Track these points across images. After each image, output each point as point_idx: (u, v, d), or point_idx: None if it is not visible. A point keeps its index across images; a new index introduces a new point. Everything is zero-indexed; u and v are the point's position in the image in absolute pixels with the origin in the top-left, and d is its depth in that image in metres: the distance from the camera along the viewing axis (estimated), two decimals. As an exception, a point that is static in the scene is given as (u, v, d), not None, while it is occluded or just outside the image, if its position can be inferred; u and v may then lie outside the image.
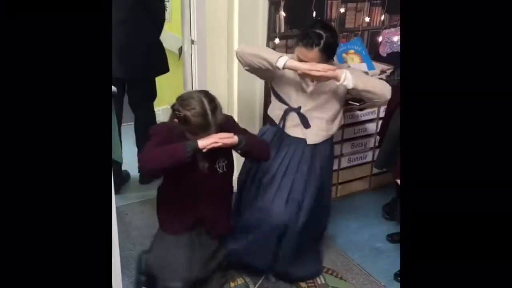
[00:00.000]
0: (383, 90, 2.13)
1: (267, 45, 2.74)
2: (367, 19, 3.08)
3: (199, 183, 2.00)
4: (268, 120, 2.42)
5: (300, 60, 2.07)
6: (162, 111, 4.38)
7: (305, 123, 2.24)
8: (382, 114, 3.06)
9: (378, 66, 3.03)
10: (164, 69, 3.12)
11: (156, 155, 1.84)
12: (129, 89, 3.02)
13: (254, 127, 3.08)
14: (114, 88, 2.08)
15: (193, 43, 2.84)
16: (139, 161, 1.91)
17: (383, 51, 3.19)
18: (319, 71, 2.01)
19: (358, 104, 2.96)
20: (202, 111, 1.83)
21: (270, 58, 2.02)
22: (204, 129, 1.85)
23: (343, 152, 3.05)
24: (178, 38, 3.55)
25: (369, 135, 3.11)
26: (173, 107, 1.90)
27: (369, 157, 3.15)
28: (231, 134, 1.88)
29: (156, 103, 4.40)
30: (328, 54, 2.10)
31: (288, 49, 2.85)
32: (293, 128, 2.27)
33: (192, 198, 2.04)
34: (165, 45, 4.02)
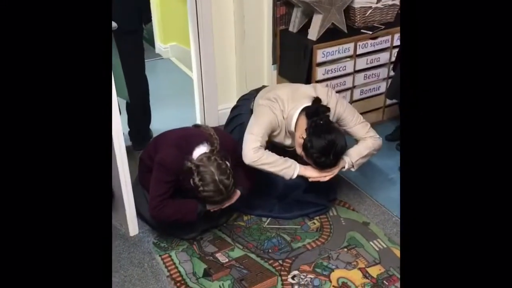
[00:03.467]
0: (376, 149, 2.33)
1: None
2: None
3: None
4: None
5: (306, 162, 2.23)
6: (170, 47, 4.31)
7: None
8: (396, 43, 2.96)
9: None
10: (147, 19, 2.90)
11: (169, 213, 2.07)
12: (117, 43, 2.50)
13: (263, 68, 3.02)
14: (114, 24, 2.00)
15: (196, -25, 2.72)
16: (151, 209, 2.08)
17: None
18: (327, 175, 2.22)
19: (370, 32, 2.85)
20: (221, 198, 2.05)
21: (286, 174, 2.19)
22: (220, 205, 2.10)
23: (355, 84, 2.97)
24: (182, -30, 3.40)
25: (383, 65, 3.02)
26: (192, 178, 2.01)
27: (382, 88, 3.08)
28: (235, 194, 2.14)
29: (162, 40, 4.33)
30: None
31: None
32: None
33: None
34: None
